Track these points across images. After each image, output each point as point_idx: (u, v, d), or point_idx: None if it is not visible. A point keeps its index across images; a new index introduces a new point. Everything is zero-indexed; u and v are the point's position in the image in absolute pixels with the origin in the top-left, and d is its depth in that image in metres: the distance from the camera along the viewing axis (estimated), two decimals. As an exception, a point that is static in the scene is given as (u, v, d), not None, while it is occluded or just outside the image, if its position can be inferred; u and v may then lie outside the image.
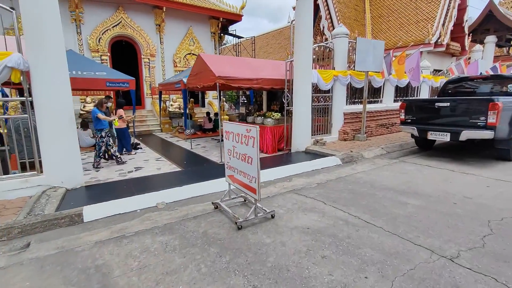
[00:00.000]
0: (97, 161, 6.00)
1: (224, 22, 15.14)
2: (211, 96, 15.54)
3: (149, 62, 13.07)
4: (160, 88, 11.14)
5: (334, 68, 7.57)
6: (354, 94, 8.23)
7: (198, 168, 5.84)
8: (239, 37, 15.98)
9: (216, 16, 14.32)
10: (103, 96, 7.16)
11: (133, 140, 8.46)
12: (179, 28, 13.67)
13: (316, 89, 7.32)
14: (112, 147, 6.21)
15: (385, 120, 9.17)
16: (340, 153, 6.22)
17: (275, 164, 5.75)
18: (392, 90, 9.47)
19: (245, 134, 3.22)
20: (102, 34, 11.67)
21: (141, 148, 8.13)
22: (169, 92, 11.70)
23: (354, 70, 7.68)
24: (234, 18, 14.88)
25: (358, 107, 8.12)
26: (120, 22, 11.99)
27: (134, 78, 8.07)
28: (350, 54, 7.80)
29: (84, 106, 10.64)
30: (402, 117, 6.58)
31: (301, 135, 6.91)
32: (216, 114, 11.21)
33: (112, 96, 7.93)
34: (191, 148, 8.01)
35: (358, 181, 4.72)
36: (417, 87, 10.55)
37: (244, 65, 7.16)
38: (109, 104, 6.77)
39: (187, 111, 12.86)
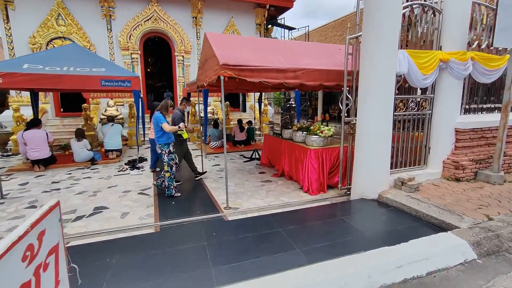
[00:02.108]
0: (173, 186, 4.32)
1: (272, 11, 12.65)
2: (255, 99, 13.18)
3: (183, 60, 11.44)
4: (188, 89, 9.23)
5: (439, 48, 4.24)
6: (473, 95, 4.68)
7: (178, 229, 3.37)
8: (290, 28, 13.29)
9: (262, 3, 11.93)
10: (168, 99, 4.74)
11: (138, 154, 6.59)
12: (218, 20, 11.72)
13: (401, 86, 4.18)
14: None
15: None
16: (464, 221, 2.99)
17: (309, 240, 2.94)
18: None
19: None
20: (133, 30, 10.44)
21: (142, 168, 6.15)
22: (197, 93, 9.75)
23: (480, 51, 4.25)
24: (284, 4, 12.25)
25: (484, 119, 4.56)
26: (153, 15, 10.60)
27: (138, 76, 6.20)
28: (475, 24, 4.35)
29: (105, 110, 9.45)
30: None
31: (371, 168, 3.86)
32: (250, 122, 8.75)
33: (188, 98, 6.14)
34: (203, 171, 5.69)
35: None
36: None
37: (273, 48, 4.49)
38: (188, 109, 4.89)
39: (212, 116, 10.80)
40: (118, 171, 5.87)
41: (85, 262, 2.51)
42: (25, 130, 5.89)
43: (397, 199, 3.61)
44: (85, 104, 8.53)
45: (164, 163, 4.24)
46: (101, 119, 9.24)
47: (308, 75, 4.08)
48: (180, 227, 3.27)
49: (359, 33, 3.95)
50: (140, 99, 9.45)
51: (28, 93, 7.80)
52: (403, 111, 4.24)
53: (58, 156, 6.84)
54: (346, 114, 4.05)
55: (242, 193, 4.44)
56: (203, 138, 7.05)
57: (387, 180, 3.98)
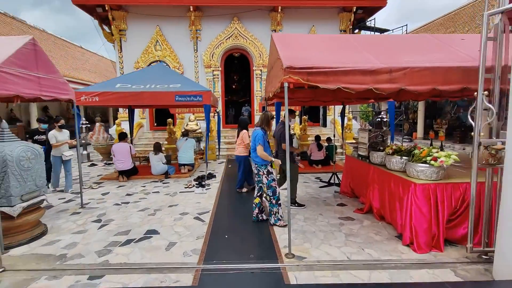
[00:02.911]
0: (277, 213, 3.67)
1: (360, 14, 11.20)
2: (337, 113, 11.79)
3: (261, 74, 11.24)
4: (263, 102, 8.82)
5: None
6: None
7: (220, 279, 2.63)
8: (382, 31, 11.46)
9: (348, 6, 10.69)
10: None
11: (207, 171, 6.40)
12: (298, 30, 11.09)
13: None
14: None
15: None
16: None
17: None
18: None
19: None
20: (216, 48, 10.91)
21: (208, 186, 5.86)
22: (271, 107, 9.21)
23: None
24: (376, 3, 10.65)
25: None
26: (233, 33, 10.87)
27: (209, 90, 6.05)
28: None
29: (187, 125, 9.97)
30: None
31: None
32: (329, 139, 7.56)
33: (292, 111, 6.16)
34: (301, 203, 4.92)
35: None
36: None
37: (357, 45, 3.39)
38: (292, 122, 4.71)
39: (292, 131, 9.89)
40: (185, 187, 5.73)
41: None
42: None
43: None
44: (169, 119, 9.15)
45: (263, 186, 3.64)
46: (182, 133, 9.77)
47: (412, 76, 2.81)
48: (222, 277, 2.53)
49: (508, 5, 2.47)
50: (216, 114, 9.68)
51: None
52: None
53: (142, 168, 7.36)
54: (481, 133, 2.56)
55: (313, 233, 3.41)
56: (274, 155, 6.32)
57: None
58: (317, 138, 7.46)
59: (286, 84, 2.73)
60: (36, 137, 5.61)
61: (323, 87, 2.76)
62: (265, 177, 3.60)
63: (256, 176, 3.71)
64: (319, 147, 7.35)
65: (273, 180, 3.60)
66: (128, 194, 5.32)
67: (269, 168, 3.61)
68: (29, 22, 14.69)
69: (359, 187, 4.46)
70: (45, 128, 5.73)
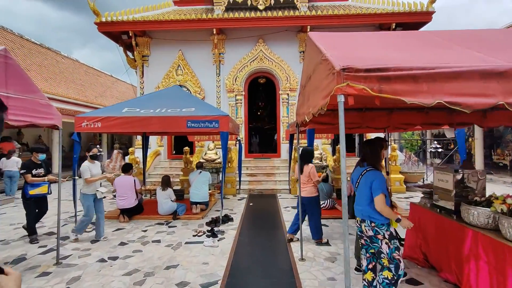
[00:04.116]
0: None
1: (399, 31, 10.04)
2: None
3: (288, 99, 10.24)
4: (290, 130, 7.67)
5: None
6: None
7: None
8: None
9: (387, 23, 9.64)
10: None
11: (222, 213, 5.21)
12: (329, 50, 10.13)
13: None
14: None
15: None
16: None
17: None
18: None
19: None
20: (239, 72, 10.21)
21: (222, 234, 4.63)
22: (302, 136, 8.03)
23: None
24: (419, 19, 9.49)
25: None
26: (258, 55, 10.16)
27: (227, 115, 5.06)
28: None
29: (205, 154, 9.03)
30: None
31: None
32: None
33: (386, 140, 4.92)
34: (301, 259, 3.57)
35: None
36: None
37: (449, 41, 2.18)
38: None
39: (320, 162, 8.41)
40: (193, 235, 4.54)
41: None
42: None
43: None
44: (186, 147, 8.28)
45: (383, 257, 2.31)
46: (196, 165, 8.82)
47: None
48: None
49: None
50: (238, 142, 8.66)
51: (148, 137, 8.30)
52: None
53: (150, 204, 6.36)
54: None
55: None
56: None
57: None
58: (359, 172, 6.02)
59: (341, 98, 1.55)
60: (34, 171, 4.49)
61: (409, 101, 1.54)
62: (386, 243, 2.29)
63: (368, 240, 2.41)
64: (362, 184, 5.89)
65: (397, 248, 2.30)
66: (122, 243, 4.23)
67: (392, 230, 2.35)
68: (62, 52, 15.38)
69: (441, 256, 2.97)
70: (42, 159, 4.74)
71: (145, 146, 7.94)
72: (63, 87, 12.86)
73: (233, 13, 9.56)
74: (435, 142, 8.96)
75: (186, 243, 4.23)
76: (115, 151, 10.02)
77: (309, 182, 4.10)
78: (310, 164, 4.18)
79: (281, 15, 9.36)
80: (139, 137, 10.60)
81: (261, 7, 9.95)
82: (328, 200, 5.78)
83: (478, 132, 11.82)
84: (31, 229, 4.42)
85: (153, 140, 10.44)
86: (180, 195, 6.85)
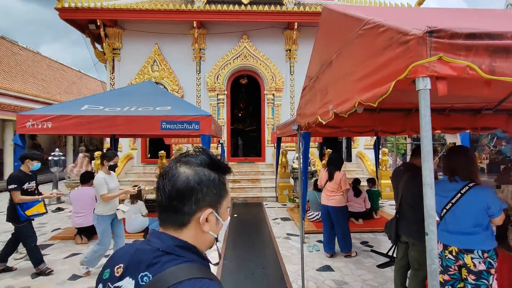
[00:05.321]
0: None
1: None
2: (363, 145, 9.95)
3: (273, 99, 9.64)
4: (278, 133, 7.05)
5: None
6: None
7: None
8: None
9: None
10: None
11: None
12: (317, 50, 9.69)
13: None
14: None
15: None
16: None
17: None
18: None
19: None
20: (221, 69, 9.46)
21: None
22: (289, 139, 7.47)
23: None
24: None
25: None
26: (242, 52, 9.47)
27: (209, 115, 4.29)
28: None
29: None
30: None
31: None
32: (372, 181, 5.62)
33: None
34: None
35: None
36: None
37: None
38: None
39: (312, 167, 7.82)
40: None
41: None
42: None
43: None
44: (162, 151, 7.39)
45: None
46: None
47: None
48: None
49: None
50: (220, 145, 7.89)
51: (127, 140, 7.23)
52: None
53: (117, 218, 5.42)
54: None
55: None
56: (301, 206, 4.35)
57: None
58: (356, 181, 5.51)
59: (426, 83, 0.89)
60: (26, 185, 3.36)
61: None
62: (494, 276, 1.75)
63: (474, 276, 1.75)
64: (357, 193, 5.37)
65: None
66: (73, 276, 3.33)
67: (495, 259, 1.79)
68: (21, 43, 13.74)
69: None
70: (36, 168, 3.55)
71: (114, 150, 6.94)
72: (20, 82, 11.35)
73: (216, 5, 8.82)
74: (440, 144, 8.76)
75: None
76: (81, 155, 8.85)
77: (339, 190, 3.70)
78: (342, 172, 3.76)
79: (267, 9, 8.76)
80: (108, 139, 9.49)
81: (245, 1, 9.27)
82: (320, 213, 5.20)
83: (450, 136, 11.92)
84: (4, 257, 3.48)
85: (125, 142, 9.39)
86: (153, 207, 5.94)
